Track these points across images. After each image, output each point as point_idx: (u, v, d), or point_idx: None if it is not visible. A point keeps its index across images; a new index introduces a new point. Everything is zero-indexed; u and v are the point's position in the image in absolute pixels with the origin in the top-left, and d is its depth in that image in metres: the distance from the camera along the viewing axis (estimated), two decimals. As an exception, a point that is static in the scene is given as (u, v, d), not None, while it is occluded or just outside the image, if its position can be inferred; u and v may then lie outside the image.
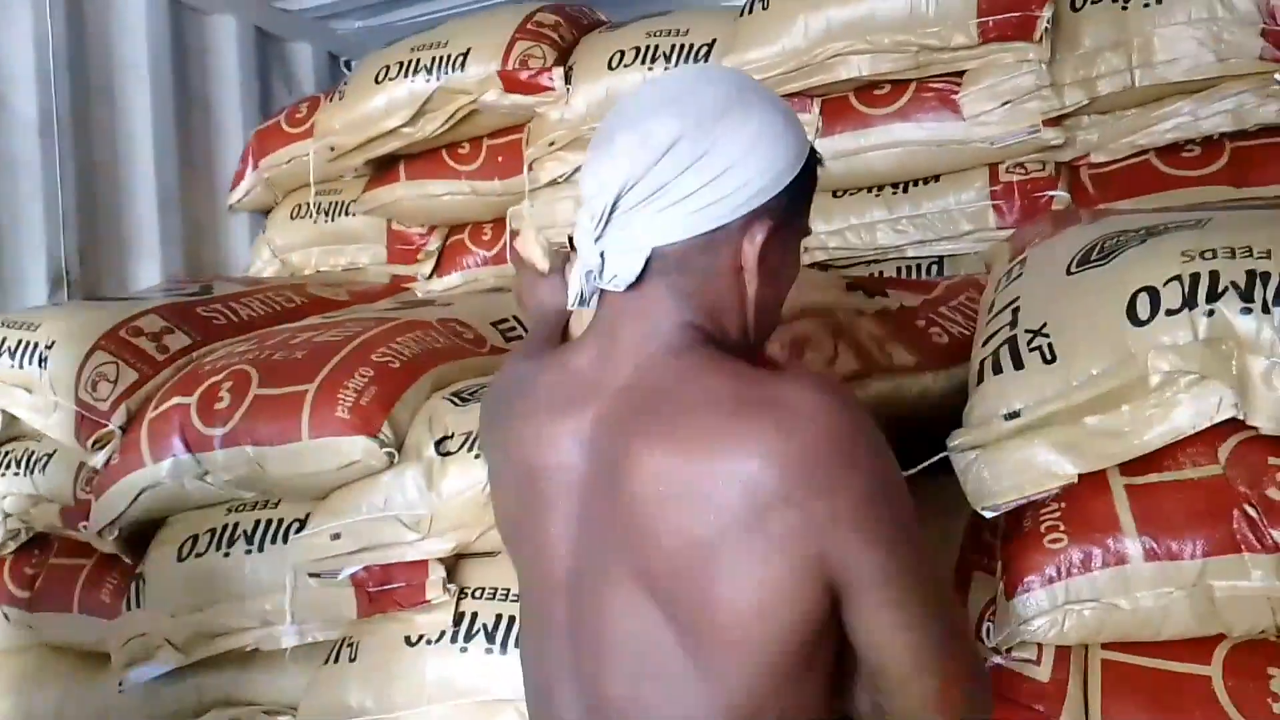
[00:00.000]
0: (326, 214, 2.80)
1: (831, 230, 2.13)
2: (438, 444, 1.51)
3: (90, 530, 1.77)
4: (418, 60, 2.42)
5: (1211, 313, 1.11)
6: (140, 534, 1.78)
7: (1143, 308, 1.15)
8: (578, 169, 2.25)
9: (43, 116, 2.42)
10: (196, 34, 2.96)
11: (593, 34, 2.45)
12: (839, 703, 0.88)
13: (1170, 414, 1.13)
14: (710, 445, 0.79)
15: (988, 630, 1.21)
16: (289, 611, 1.57)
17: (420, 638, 1.51)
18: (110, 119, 2.67)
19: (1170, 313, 1.13)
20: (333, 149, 2.57)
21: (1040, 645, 1.18)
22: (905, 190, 2.08)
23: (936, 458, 1.24)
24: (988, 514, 1.20)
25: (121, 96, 2.69)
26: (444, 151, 2.53)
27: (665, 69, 2.22)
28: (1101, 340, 1.16)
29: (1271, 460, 1.11)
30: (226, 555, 1.65)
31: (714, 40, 2.20)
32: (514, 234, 2.40)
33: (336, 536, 1.55)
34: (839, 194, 2.14)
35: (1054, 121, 1.91)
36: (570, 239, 0.94)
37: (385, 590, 1.54)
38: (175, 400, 1.72)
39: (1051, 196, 1.94)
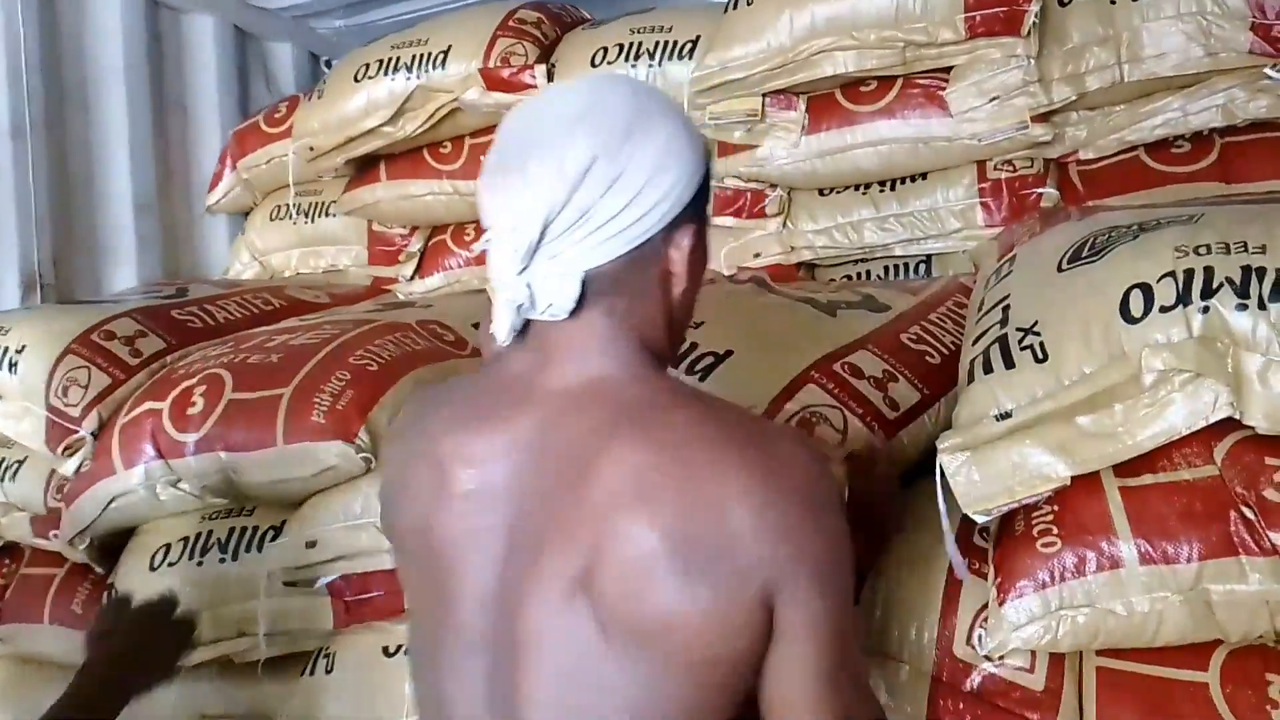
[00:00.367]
0: (306, 215, 2.77)
1: (818, 229, 2.11)
2: (416, 449, 1.48)
3: (61, 539, 1.74)
4: (397, 58, 2.39)
5: (1206, 309, 1.10)
6: (113, 543, 1.75)
7: (1136, 304, 1.13)
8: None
9: (15, 119, 2.37)
10: (173, 34, 2.91)
11: (575, 31, 2.43)
12: None
13: (1164, 413, 1.11)
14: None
15: (980, 637, 1.18)
16: (264, 622, 1.54)
17: (399, 648, 1.48)
18: (85, 121, 2.62)
19: (1164, 309, 1.12)
20: (312, 149, 2.54)
21: (1034, 652, 1.15)
22: (892, 188, 2.06)
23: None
24: (979, 519, 1.17)
25: (96, 98, 2.64)
26: (425, 151, 2.49)
27: (649, 66, 2.19)
28: (1094, 338, 1.14)
29: (1268, 461, 1.09)
30: (200, 564, 1.62)
31: (698, 37, 2.18)
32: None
33: (312, 544, 1.53)
34: (825, 192, 2.12)
35: (1042, 118, 1.88)
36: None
37: (363, 600, 1.52)
38: (147, 405, 1.69)
39: (1040, 194, 1.91)
